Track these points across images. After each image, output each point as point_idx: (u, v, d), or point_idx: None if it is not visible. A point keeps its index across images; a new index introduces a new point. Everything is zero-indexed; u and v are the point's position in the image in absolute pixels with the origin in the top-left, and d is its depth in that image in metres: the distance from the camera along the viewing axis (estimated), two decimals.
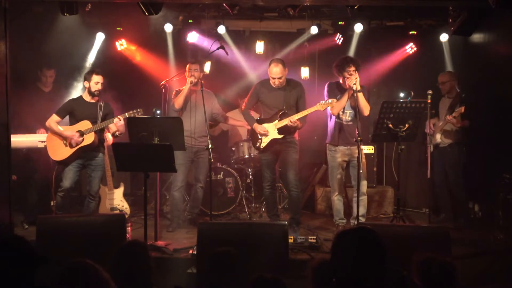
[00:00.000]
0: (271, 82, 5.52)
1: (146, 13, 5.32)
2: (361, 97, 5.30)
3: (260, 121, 5.64)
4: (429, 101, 5.27)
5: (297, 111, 5.49)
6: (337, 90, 5.52)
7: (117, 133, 5.52)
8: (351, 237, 2.38)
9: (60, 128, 5.42)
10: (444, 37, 6.83)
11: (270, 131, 5.53)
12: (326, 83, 5.67)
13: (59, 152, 5.42)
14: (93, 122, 5.42)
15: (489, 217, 5.88)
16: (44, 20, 6.27)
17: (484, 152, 6.05)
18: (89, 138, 5.40)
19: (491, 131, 5.97)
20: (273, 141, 5.55)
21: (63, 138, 5.42)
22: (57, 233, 4.32)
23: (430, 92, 5.29)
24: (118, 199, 5.87)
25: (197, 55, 7.56)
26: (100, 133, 5.53)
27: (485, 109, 5.98)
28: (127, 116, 5.39)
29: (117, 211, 5.75)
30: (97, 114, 5.43)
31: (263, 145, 5.59)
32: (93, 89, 5.44)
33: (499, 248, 5.04)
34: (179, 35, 7.36)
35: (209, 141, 5.19)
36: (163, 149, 4.56)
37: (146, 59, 7.41)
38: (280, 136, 5.52)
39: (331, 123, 5.65)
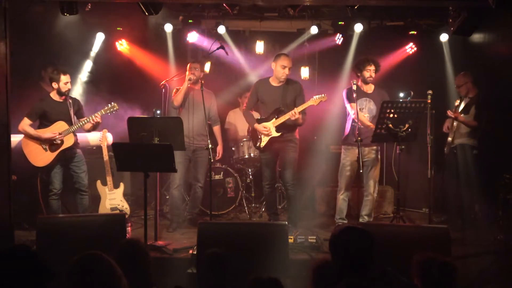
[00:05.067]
0: (279, 75, 5.52)
1: (146, 13, 5.31)
2: None
3: (259, 121, 5.66)
4: (429, 101, 5.26)
5: None
6: (352, 95, 5.50)
7: (91, 129, 5.50)
8: (346, 237, 2.61)
9: (36, 132, 5.34)
10: (444, 37, 6.84)
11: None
12: (344, 90, 5.73)
13: (40, 157, 5.36)
14: (68, 121, 5.38)
15: (489, 217, 5.87)
16: (44, 20, 6.27)
17: (484, 152, 6.04)
18: (70, 140, 5.38)
19: (491, 131, 5.96)
20: (272, 139, 5.56)
21: (41, 142, 5.34)
22: (57, 233, 4.32)
23: (430, 92, 5.29)
24: (118, 199, 5.87)
25: (197, 55, 7.57)
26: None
27: (484, 109, 5.96)
28: (103, 113, 5.41)
29: (117, 211, 5.75)
30: (69, 112, 5.39)
31: (262, 144, 5.60)
32: (63, 90, 5.38)
33: (499, 248, 5.04)
34: (179, 35, 7.36)
35: (209, 141, 5.19)
36: (163, 149, 4.56)
37: (146, 59, 7.40)
38: (278, 134, 5.53)
39: (348, 125, 5.70)
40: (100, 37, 7.12)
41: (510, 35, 5.75)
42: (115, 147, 4.63)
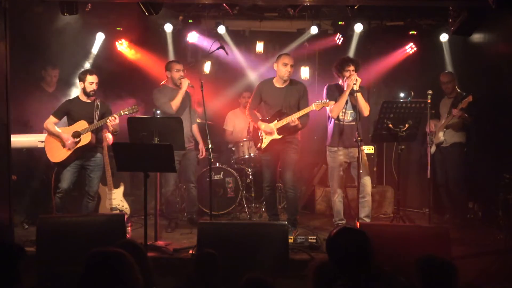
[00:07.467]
0: (282, 73, 5.49)
1: (146, 13, 5.32)
2: (360, 97, 5.30)
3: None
4: (429, 101, 5.26)
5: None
6: (336, 92, 5.51)
7: (113, 132, 5.52)
8: (345, 240, 2.59)
9: (58, 130, 5.44)
10: (444, 37, 6.84)
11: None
12: (325, 85, 5.67)
13: (57, 153, 5.44)
14: (90, 122, 5.45)
15: (489, 217, 5.88)
16: (44, 20, 6.27)
17: (484, 152, 6.05)
18: (86, 138, 5.42)
19: (491, 131, 5.97)
20: (273, 141, 5.54)
21: (61, 139, 5.44)
22: (57, 233, 4.32)
23: (430, 92, 5.29)
24: (118, 199, 5.86)
25: (197, 55, 7.57)
26: (97, 132, 5.54)
27: (485, 109, 5.98)
28: (122, 114, 5.41)
29: (117, 211, 5.75)
30: (93, 113, 5.46)
31: (264, 145, 5.58)
32: (88, 90, 5.46)
33: (499, 248, 5.04)
34: (179, 35, 7.36)
35: (209, 140, 5.18)
36: (163, 149, 4.55)
37: (146, 59, 7.40)
38: (280, 137, 5.51)
39: (330, 125, 5.65)
40: (100, 37, 7.12)
41: (510, 35, 5.75)
42: (115, 147, 4.63)
